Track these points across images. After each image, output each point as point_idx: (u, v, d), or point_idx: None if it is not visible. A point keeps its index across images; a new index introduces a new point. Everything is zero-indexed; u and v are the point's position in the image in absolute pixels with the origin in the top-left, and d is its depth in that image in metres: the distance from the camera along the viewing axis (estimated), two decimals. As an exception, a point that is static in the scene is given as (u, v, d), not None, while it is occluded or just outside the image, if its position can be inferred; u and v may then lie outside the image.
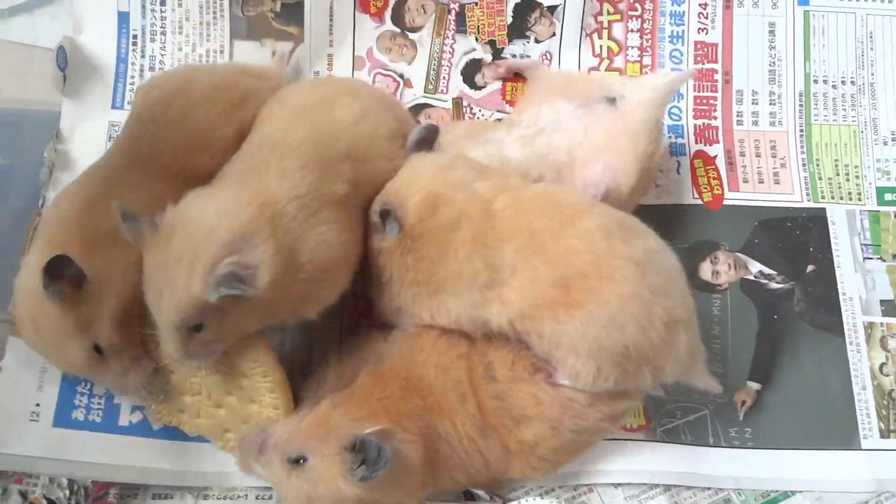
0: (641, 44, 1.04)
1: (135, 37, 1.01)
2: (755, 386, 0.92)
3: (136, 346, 0.77)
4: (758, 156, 1.03)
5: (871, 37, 1.06)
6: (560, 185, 0.83)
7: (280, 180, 0.72)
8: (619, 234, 0.74)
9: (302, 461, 0.70)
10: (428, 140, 0.84)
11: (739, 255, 0.98)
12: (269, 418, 0.76)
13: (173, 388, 0.80)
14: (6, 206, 0.96)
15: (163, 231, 0.67)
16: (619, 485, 0.87)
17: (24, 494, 0.83)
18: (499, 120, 1.00)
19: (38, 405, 0.84)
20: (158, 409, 0.82)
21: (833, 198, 1.01)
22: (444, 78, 1.02)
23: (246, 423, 0.78)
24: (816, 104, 1.04)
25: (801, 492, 0.87)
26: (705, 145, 1.03)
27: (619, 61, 1.04)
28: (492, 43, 1.02)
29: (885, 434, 0.91)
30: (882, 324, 0.95)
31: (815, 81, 1.05)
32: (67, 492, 0.83)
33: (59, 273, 0.70)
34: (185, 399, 0.81)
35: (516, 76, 1.02)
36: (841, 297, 0.96)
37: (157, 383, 0.79)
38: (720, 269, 0.97)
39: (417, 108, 1.01)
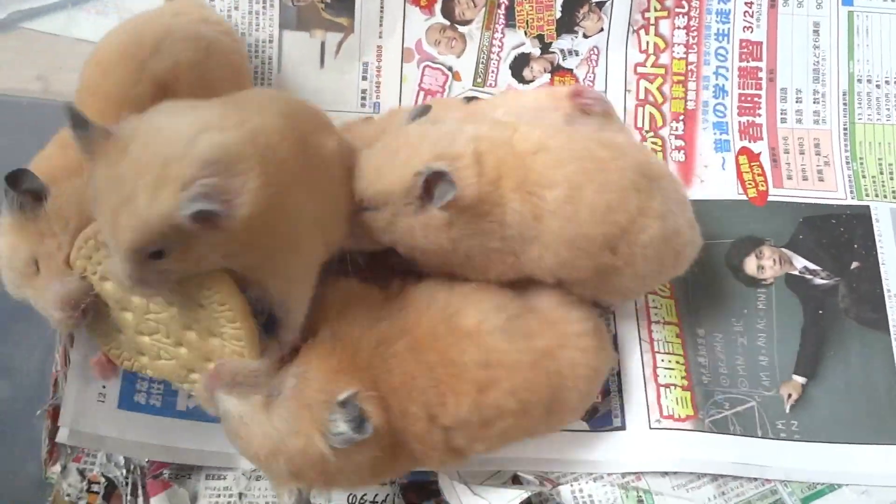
0: (687, 41, 1.05)
1: (184, 26, 1.02)
2: (801, 380, 0.93)
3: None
4: (801, 153, 1.04)
5: (914, 37, 1.07)
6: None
7: (274, 118, 0.65)
8: (645, 187, 0.77)
9: (276, 396, 0.68)
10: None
11: (784, 250, 0.99)
12: (233, 353, 0.69)
13: (128, 329, 0.74)
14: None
15: (122, 140, 0.58)
16: (667, 473, 0.88)
17: (82, 472, 0.84)
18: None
19: (104, 387, 0.86)
20: (117, 353, 0.77)
21: (877, 196, 1.02)
22: (492, 71, 1.03)
23: (209, 360, 0.71)
24: (860, 103, 1.05)
25: (847, 485, 0.88)
26: (750, 142, 1.04)
27: (665, 58, 1.05)
28: (540, 37, 1.04)
29: (930, 429, 0.91)
30: (927, 320, 0.96)
31: (859, 81, 1.06)
32: (124, 470, 0.85)
33: (19, 184, 0.71)
34: (144, 340, 0.74)
35: (563, 70, 1.04)
36: (886, 293, 0.97)
37: (100, 323, 0.76)
38: (765, 263, 0.98)
39: (466, 101, 1.02)
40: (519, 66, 1.03)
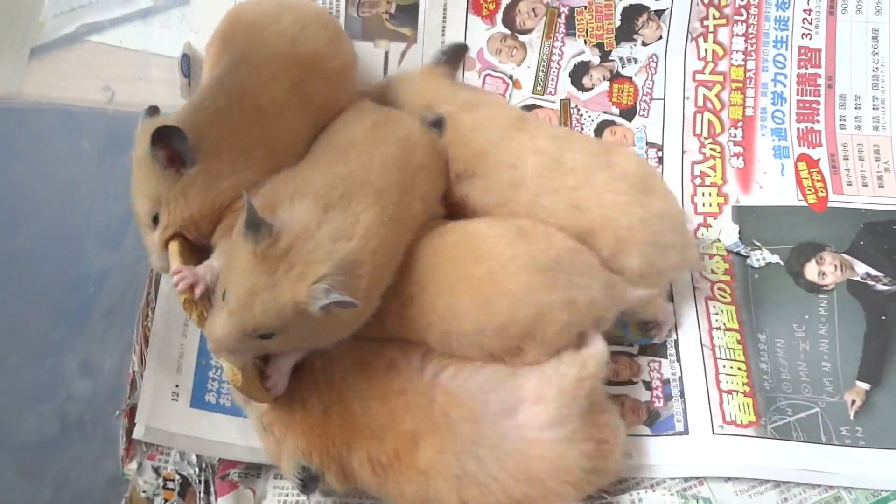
0: (746, 48, 1.06)
1: (251, 37, 1.04)
2: (864, 386, 0.92)
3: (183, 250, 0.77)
4: (861, 159, 1.04)
5: (974, 43, 1.06)
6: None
7: (381, 221, 0.75)
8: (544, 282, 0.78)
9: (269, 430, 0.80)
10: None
11: (845, 256, 0.98)
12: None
13: None
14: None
15: (278, 237, 0.68)
16: (730, 479, 0.88)
17: (157, 470, 0.87)
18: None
19: (177, 386, 0.89)
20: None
21: (938, 202, 1.01)
22: (552, 79, 1.05)
23: None
24: (920, 110, 1.05)
25: (912, 492, 0.88)
26: (808, 148, 1.04)
27: (723, 65, 1.06)
28: (599, 45, 1.05)
29: None
30: None
31: (919, 87, 1.06)
32: (197, 469, 0.87)
33: (167, 141, 0.73)
34: None
35: (623, 78, 1.05)
36: (950, 300, 0.96)
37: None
38: (826, 269, 0.98)
39: (526, 109, 1.04)
40: (578, 74, 1.05)
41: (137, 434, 0.86)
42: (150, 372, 0.88)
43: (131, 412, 0.87)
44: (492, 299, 0.76)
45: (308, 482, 0.78)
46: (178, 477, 0.86)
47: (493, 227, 0.81)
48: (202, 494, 0.86)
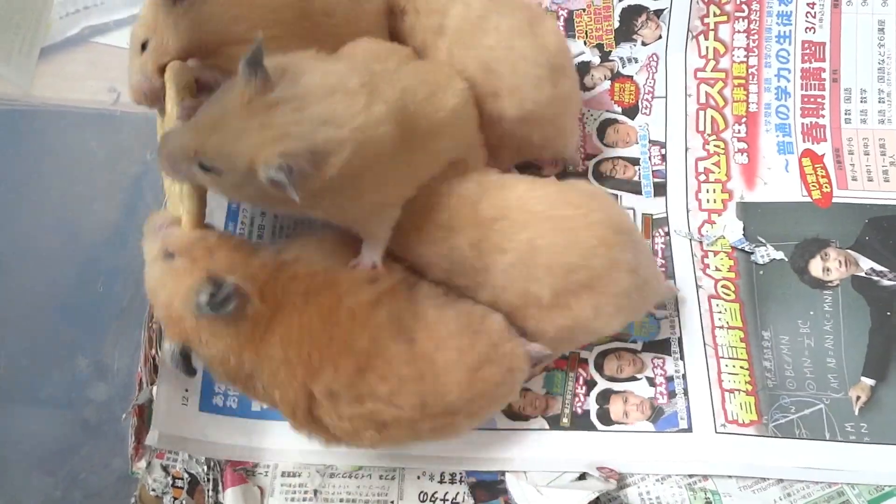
0: (748, 44, 1.06)
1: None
2: (869, 382, 0.92)
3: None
4: (866, 154, 1.03)
5: (982, 34, 1.05)
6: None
7: (389, 108, 0.70)
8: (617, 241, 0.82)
9: (172, 258, 0.75)
10: None
11: (850, 252, 0.98)
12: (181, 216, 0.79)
13: None
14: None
15: (270, 89, 0.65)
16: (733, 476, 0.88)
17: (165, 468, 0.89)
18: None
19: (186, 390, 0.91)
20: None
21: (944, 196, 1.00)
22: (552, 79, 1.05)
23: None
24: (927, 102, 1.04)
25: (917, 487, 0.87)
26: (813, 143, 1.03)
27: (725, 62, 1.05)
28: (599, 46, 1.05)
29: None
30: None
31: (925, 79, 1.05)
32: (205, 467, 0.89)
33: None
34: None
35: (623, 77, 1.05)
36: (956, 294, 0.95)
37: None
38: (831, 265, 0.97)
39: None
40: (580, 73, 1.05)
41: (151, 440, 0.87)
42: (162, 377, 0.90)
43: (140, 411, 0.89)
44: (570, 243, 0.79)
45: (220, 301, 0.70)
46: (186, 475, 0.88)
47: (567, 186, 0.86)
48: (210, 492, 0.88)
